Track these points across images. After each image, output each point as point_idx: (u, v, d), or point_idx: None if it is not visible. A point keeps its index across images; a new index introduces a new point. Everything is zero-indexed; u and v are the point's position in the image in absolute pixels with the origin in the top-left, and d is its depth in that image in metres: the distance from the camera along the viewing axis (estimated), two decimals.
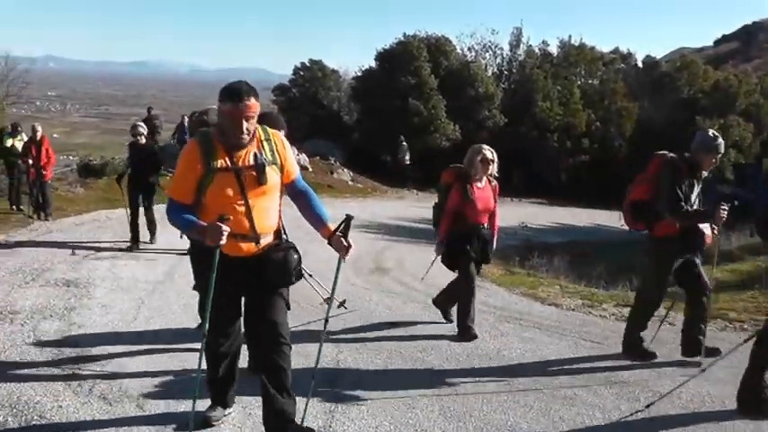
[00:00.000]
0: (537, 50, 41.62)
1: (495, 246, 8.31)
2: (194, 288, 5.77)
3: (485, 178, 7.93)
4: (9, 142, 17.28)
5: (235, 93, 4.22)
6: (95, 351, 6.70)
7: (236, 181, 4.32)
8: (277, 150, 4.54)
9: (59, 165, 24.42)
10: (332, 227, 4.61)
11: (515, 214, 23.52)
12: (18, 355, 6.52)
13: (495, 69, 41.53)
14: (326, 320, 4.95)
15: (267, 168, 4.41)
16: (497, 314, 9.40)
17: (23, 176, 17.01)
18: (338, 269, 4.78)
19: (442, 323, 8.52)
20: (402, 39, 37.67)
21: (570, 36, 42.59)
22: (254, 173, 4.37)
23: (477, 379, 6.47)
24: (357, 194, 27.58)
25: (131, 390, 5.68)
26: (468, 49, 41.37)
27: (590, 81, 42.17)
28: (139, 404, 5.40)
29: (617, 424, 5.51)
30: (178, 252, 11.29)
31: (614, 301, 10.67)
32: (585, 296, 11.11)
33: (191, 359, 6.38)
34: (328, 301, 5.97)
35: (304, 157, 28.84)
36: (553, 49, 42.16)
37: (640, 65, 44.57)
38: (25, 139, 16.89)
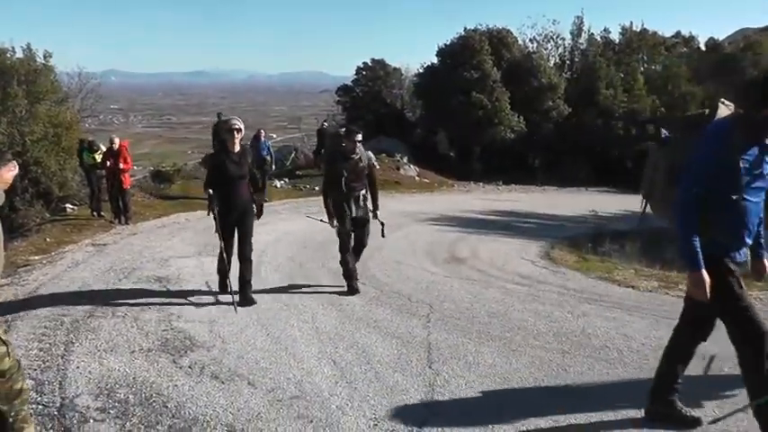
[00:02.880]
0: (599, 38, 41.26)
1: None
2: None
3: None
4: (90, 156, 17.77)
5: None
6: (198, 338, 7.07)
7: None
8: None
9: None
10: None
11: (585, 203, 23.47)
12: (126, 343, 6.89)
13: (558, 59, 41.26)
14: None
15: None
16: (577, 296, 9.53)
17: (102, 185, 17.52)
18: None
19: (525, 306, 8.68)
20: (463, 33, 37.65)
21: (631, 22, 42.22)
22: None
23: (566, 354, 6.66)
24: (424, 189, 27.74)
25: (240, 369, 6.09)
26: (530, 40, 41.27)
27: (653, 67, 41.57)
28: (251, 381, 5.77)
29: (703, 388, 5.62)
30: None
31: None
32: (660, 278, 11.13)
33: (288, 338, 6.97)
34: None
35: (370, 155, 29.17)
36: (615, 36, 41.81)
37: (703, 48, 43.83)
38: (103, 149, 17.36)
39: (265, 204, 17.94)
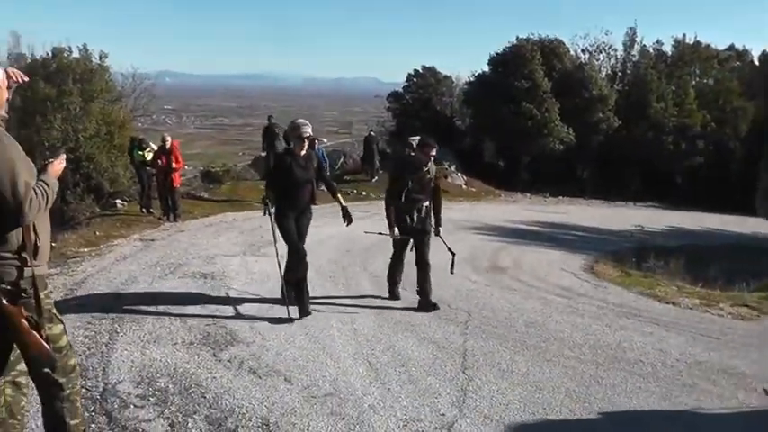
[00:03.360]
0: (651, 50, 40.61)
1: None
2: None
3: None
4: (139, 154, 18.11)
5: None
6: (239, 333, 7.24)
7: None
8: None
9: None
10: None
11: (631, 217, 23.35)
12: (169, 334, 7.09)
13: (609, 71, 40.63)
14: None
15: None
16: (616, 310, 9.59)
17: (153, 182, 17.85)
18: None
19: (563, 317, 8.75)
20: (515, 42, 37.39)
21: (684, 34, 41.48)
22: None
23: (600, 366, 6.72)
24: (470, 198, 27.76)
25: (278, 365, 6.25)
26: (582, 50, 40.76)
27: (705, 80, 40.81)
28: (287, 377, 5.93)
29: (734, 411, 5.70)
30: None
31: (731, 301, 10.64)
32: (702, 296, 11.10)
33: (327, 338, 7.13)
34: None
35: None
36: (667, 48, 41.03)
37: (756, 62, 43.09)
38: (155, 148, 17.66)
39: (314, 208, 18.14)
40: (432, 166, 8.78)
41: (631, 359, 7.04)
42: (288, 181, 8.01)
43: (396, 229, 8.69)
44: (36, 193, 3.57)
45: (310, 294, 8.26)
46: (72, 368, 3.92)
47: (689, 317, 9.46)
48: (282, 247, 8.17)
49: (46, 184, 3.70)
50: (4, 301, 3.53)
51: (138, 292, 9.01)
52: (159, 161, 16.65)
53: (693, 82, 39.73)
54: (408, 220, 8.72)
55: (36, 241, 3.69)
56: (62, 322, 3.97)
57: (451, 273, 9.26)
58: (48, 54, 24.79)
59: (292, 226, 8.15)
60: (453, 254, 9.06)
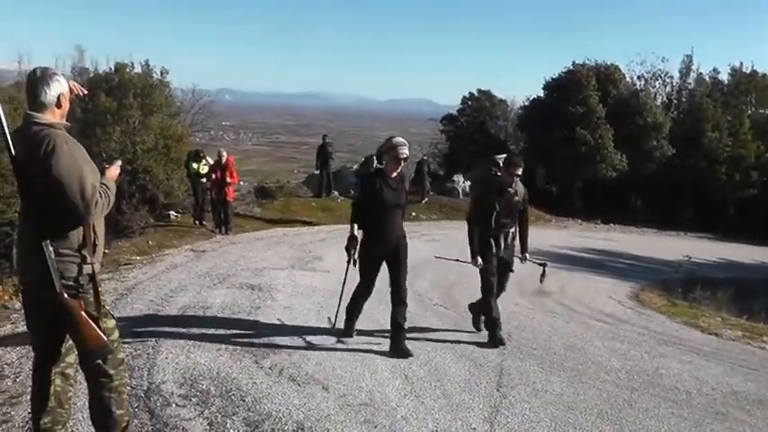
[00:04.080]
0: (707, 78, 40.25)
1: None
2: None
3: None
4: (194, 166, 18.50)
5: None
6: (281, 343, 7.45)
7: None
8: None
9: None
10: None
11: (682, 247, 23.13)
12: (213, 340, 7.33)
13: (664, 98, 40.41)
14: None
15: None
16: (657, 338, 9.59)
17: (207, 195, 18.21)
18: None
19: (603, 342, 8.79)
20: (571, 68, 37.38)
21: (741, 63, 40.89)
22: None
23: (634, 391, 6.76)
24: None
25: (317, 374, 6.43)
26: (638, 77, 40.61)
27: (761, 110, 40.27)
28: (325, 386, 6.11)
29: None
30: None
31: None
32: (746, 328, 11.06)
33: (363, 356, 7.25)
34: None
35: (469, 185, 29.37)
36: (724, 76, 40.64)
37: None
38: (211, 162, 18.02)
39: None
40: (519, 186, 8.06)
41: (667, 385, 7.06)
42: (377, 206, 7.19)
43: (478, 258, 7.91)
44: (101, 195, 3.84)
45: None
46: (120, 362, 4.16)
47: (730, 348, 9.44)
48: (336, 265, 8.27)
49: (107, 186, 3.96)
50: (66, 295, 3.78)
51: (187, 300, 9.29)
52: (214, 175, 17.00)
53: (749, 112, 39.16)
54: (494, 248, 8.00)
55: (95, 240, 3.96)
56: (114, 318, 4.25)
57: (540, 282, 9.06)
58: (110, 69, 25.49)
59: (375, 270, 7.46)
60: (544, 265, 8.84)
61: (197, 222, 18.46)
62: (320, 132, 29.58)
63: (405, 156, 7.19)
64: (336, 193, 26.24)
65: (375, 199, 7.17)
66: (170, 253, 13.61)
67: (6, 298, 9.77)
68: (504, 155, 8.19)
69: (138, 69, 25.23)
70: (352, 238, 7.33)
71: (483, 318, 8.44)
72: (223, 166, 16.92)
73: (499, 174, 7.94)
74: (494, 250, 7.98)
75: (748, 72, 40.10)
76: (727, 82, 40.16)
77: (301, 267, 12.54)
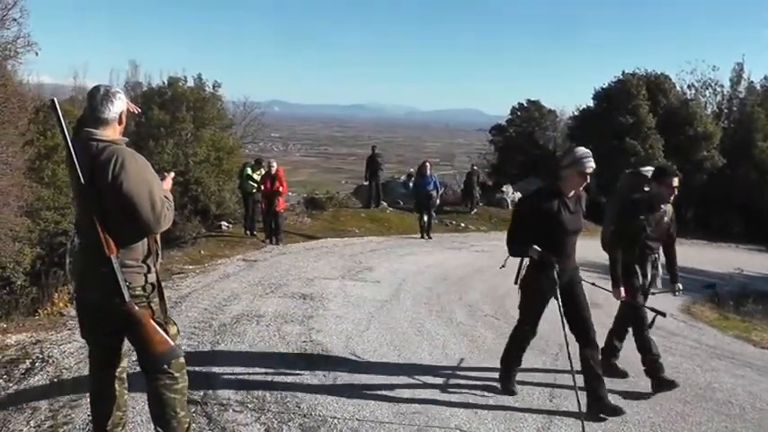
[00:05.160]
0: (758, 87, 39.54)
1: None
2: None
3: None
4: (249, 171, 18.72)
5: None
6: (334, 351, 7.55)
7: None
8: None
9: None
10: None
11: (733, 260, 22.82)
12: (267, 348, 7.49)
13: (715, 107, 39.76)
14: None
15: None
16: (709, 351, 9.49)
17: (258, 206, 18.44)
18: None
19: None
20: (621, 77, 36.97)
21: None
22: None
23: (687, 404, 6.71)
24: None
25: (370, 383, 6.50)
26: (688, 86, 39.97)
27: None
28: (378, 394, 6.18)
29: None
30: None
31: None
32: None
33: (418, 361, 7.34)
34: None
35: (519, 195, 29.27)
36: None
37: None
38: (263, 172, 18.22)
39: (412, 238, 18.37)
40: (668, 206, 7.00)
41: (720, 399, 6.99)
42: (552, 230, 5.96)
43: (621, 288, 6.88)
44: (168, 207, 4.01)
45: (407, 316, 8.11)
46: (182, 366, 4.29)
47: None
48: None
49: (167, 198, 4.10)
50: (134, 304, 3.94)
51: (240, 308, 9.43)
52: (264, 186, 17.18)
53: None
54: (640, 277, 7.04)
55: (156, 249, 4.10)
56: (176, 324, 4.41)
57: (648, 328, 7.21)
58: (164, 83, 26.04)
59: (542, 308, 6.28)
60: (663, 315, 7.15)
61: (248, 232, 18.67)
62: (368, 143, 29.73)
63: (591, 170, 5.92)
64: (385, 203, 26.33)
65: (550, 223, 5.91)
66: (222, 262, 13.79)
67: (62, 305, 10.04)
68: (650, 167, 7.35)
69: (190, 83, 25.68)
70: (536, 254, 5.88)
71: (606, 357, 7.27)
72: (273, 177, 17.08)
73: (649, 188, 6.91)
74: (641, 281, 7.02)
75: None
76: None
77: (352, 278, 12.63)
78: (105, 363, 4.29)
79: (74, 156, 3.80)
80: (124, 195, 3.80)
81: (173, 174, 4.60)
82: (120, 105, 4.02)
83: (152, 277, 4.11)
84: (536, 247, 5.82)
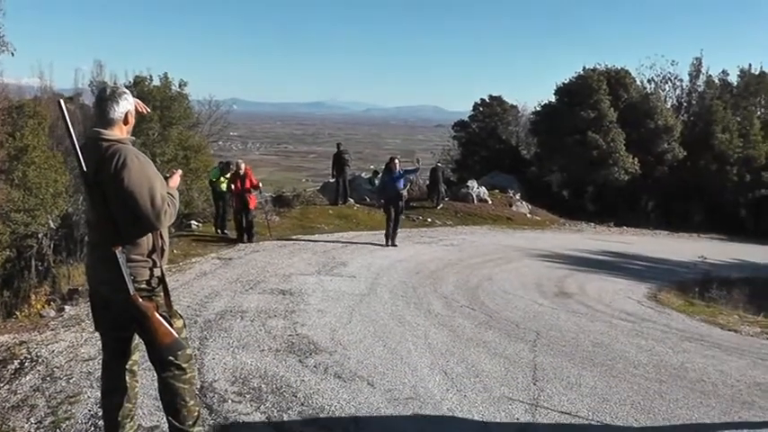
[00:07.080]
0: (717, 81, 40.38)
1: None
2: None
3: None
4: (218, 176, 18.75)
5: None
6: (321, 343, 7.72)
7: None
8: None
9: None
10: None
11: (695, 249, 23.31)
12: (256, 342, 7.60)
13: (675, 101, 40.73)
14: None
15: None
16: (679, 335, 9.84)
17: (228, 205, 18.48)
18: None
19: (628, 339, 9.05)
20: (582, 73, 37.67)
21: (750, 65, 41.10)
22: None
23: (663, 383, 7.03)
24: (535, 227, 27.89)
25: (360, 371, 6.70)
26: (648, 80, 40.83)
27: None
28: (370, 382, 6.38)
29: None
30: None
31: None
32: (764, 325, 11.32)
33: (403, 350, 7.62)
34: None
35: (483, 190, 29.59)
36: (733, 78, 40.85)
37: None
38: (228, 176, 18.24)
39: (380, 233, 18.55)
40: None
41: (693, 378, 7.30)
42: None
43: None
44: (169, 205, 4.12)
45: (386, 308, 8.35)
46: (189, 357, 4.44)
47: (750, 343, 9.69)
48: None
49: (172, 195, 4.24)
50: (139, 297, 4.06)
51: (222, 305, 9.54)
52: (234, 186, 17.24)
53: (759, 113, 39.37)
54: None
55: (162, 245, 4.24)
56: (182, 317, 4.55)
57: None
58: (129, 82, 25.84)
59: None
60: None
61: (219, 231, 18.68)
62: (327, 141, 29.91)
63: None
64: (352, 200, 26.45)
65: None
66: (197, 261, 13.84)
67: (39, 307, 10.07)
68: None
69: (156, 82, 25.59)
70: None
71: None
72: (243, 177, 17.14)
73: None
74: None
75: (757, 73, 40.15)
76: (736, 84, 40.31)
77: (327, 273, 12.77)
78: (118, 355, 4.42)
79: (80, 154, 3.93)
80: (125, 192, 3.92)
81: (180, 171, 4.74)
82: (125, 105, 4.16)
83: (157, 272, 4.23)
84: None
